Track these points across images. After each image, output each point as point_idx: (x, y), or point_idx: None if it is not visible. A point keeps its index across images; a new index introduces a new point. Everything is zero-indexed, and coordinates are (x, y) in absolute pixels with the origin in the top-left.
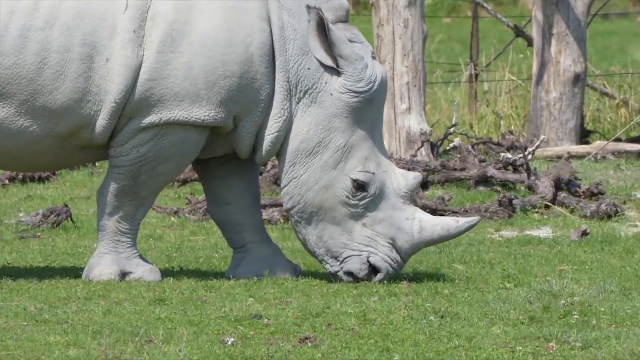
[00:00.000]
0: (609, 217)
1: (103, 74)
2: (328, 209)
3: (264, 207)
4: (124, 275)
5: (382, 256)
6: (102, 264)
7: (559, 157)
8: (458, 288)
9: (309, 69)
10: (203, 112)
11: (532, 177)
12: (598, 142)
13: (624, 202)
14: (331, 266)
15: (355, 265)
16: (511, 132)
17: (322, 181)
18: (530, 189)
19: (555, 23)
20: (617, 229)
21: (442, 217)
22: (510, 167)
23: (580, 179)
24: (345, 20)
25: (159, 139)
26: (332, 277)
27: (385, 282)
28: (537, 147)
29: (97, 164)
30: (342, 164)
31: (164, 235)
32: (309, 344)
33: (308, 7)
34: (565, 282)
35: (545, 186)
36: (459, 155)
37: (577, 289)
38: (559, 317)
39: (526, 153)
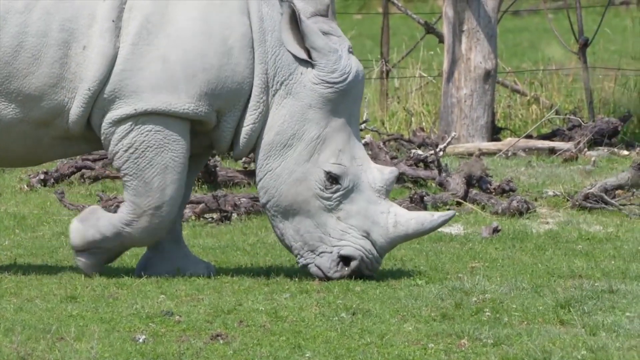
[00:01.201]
0: (520, 214)
1: (79, 61)
2: (302, 202)
3: None
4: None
5: (354, 245)
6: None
7: (470, 154)
8: (369, 285)
9: (285, 60)
10: (182, 105)
11: (444, 174)
12: (509, 139)
13: (535, 199)
14: (305, 259)
15: (326, 263)
16: (422, 129)
17: (295, 174)
18: (442, 185)
19: (465, 20)
20: (529, 226)
21: (418, 212)
22: (421, 164)
23: (491, 176)
24: (325, 14)
25: (139, 128)
26: (243, 274)
27: (297, 279)
28: (448, 144)
29: None
30: (316, 156)
31: None
32: (221, 341)
33: (280, 0)
34: (476, 279)
35: (456, 183)
36: (370, 152)
37: (488, 286)
38: (471, 314)
39: (437, 150)
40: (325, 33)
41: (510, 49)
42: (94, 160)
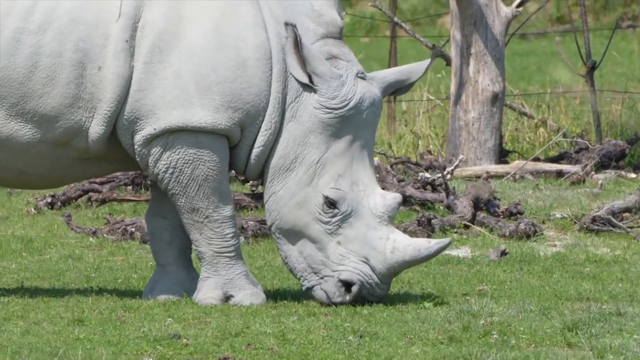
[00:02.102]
0: (528, 236)
1: (95, 81)
2: (303, 226)
3: None
4: (227, 298)
5: (353, 270)
6: (205, 288)
7: (478, 177)
8: (377, 308)
9: (294, 83)
10: (198, 119)
11: (451, 197)
12: (517, 161)
13: (543, 222)
14: (309, 282)
15: (331, 287)
16: (430, 152)
17: (296, 197)
18: (449, 208)
19: (473, 43)
20: (536, 248)
21: (416, 239)
22: (429, 187)
23: (499, 199)
24: (337, 36)
25: (171, 147)
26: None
27: (304, 302)
28: (456, 166)
29: None
30: (316, 180)
31: (83, 256)
32: None
33: (286, 23)
34: (484, 301)
35: (464, 206)
36: (377, 175)
37: (496, 308)
38: (479, 336)
39: (445, 173)
40: (333, 57)
41: (517, 72)
42: (101, 183)
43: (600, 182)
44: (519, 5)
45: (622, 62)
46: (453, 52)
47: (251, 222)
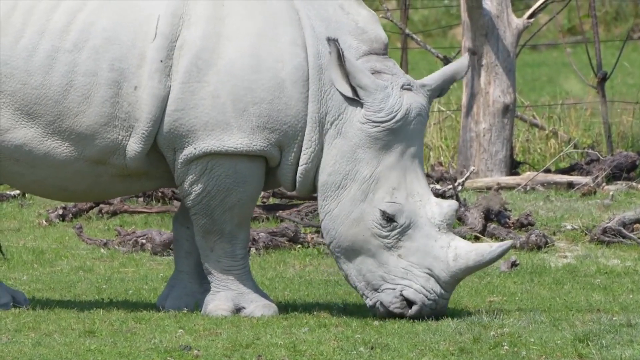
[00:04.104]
0: (539, 248)
1: (132, 101)
2: (362, 242)
3: None
4: (238, 310)
5: (417, 288)
6: (217, 300)
7: (489, 188)
8: (388, 319)
9: (336, 100)
10: (235, 141)
11: (462, 208)
12: (528, 173)
13: (554, 233)
14: (371, 299)
15: (388, 297)
16: (440, 164)
17: (352, 214)
18: (460, 220)
19: (484, 54)
20: (547, 260)
21: (478, 244)
22: (439, 198)
23: (510, 210)
24: (381, 52)
25: (210, 172)
26: None
27: (315, 313)
28: (467, 178)
29: (26, 195)
30: (371, 195)
31: (94, 267)
32: None
33: (328, 39)
34: (495, 313)
35: (474, 217)
36: None
37: (507, 319)
38: (489, 348)
39: (456, 184)
40: (377, 71)
41: (528, 83)
42: None
43: (611, 193)
44: (530, 17)
45: (633, 73)
46: None
47: (262, 234)
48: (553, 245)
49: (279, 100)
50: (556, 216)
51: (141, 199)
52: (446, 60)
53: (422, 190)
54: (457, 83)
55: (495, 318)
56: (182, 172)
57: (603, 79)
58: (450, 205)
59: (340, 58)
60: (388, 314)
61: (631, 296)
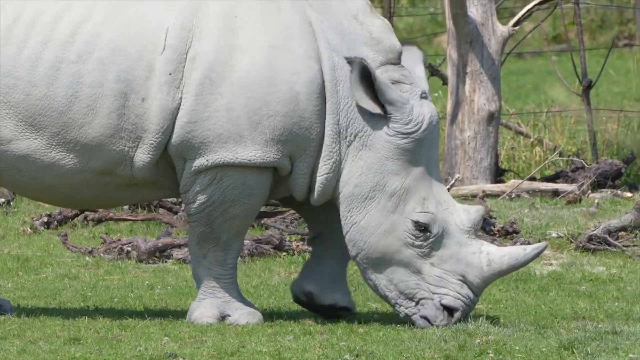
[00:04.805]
0: None
1: (139, 113)
2: (394, 252)
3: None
4: (223, 318)
5: (454, 294)
6: (202, 307)
7: (474, 196)
8: (373, 327)
9: (358, 112)
10: (249, 153)
11: None
12: (513, 180)
13: (539, 241)
14: (406, 308)
15: (431, 312)
16: None
17: (383, 226)
18: None
19: (469, 62)
20: (532, 267)
21: (509, 247)
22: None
23: (495, 218)
24: (396, 62)
25: (218, 182)
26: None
27: (300, 321)
28: (452, 185)
29: (11, 203)
30: (402, 206)
31: (79, 275)
32: None
33: (347, 58)
34: (480, 320)
35: None
36: None
37: (492, 327)
38: (474, 356)
39: None
40: (396, 82)
41: (513, 91)
42: None
43: (596, 201)
44: (515, 24)
45: (619, 81)
46: (449, 71)
47: (247, 242)
48: None
49: (293, 113)
50: (541, 224)
51: (127, 207)
52: (431, 68)
53: (447, 197)
54: (442, 91)
55: (480, 326)
56: (189, 181)
57: (588, 87)
58: (477, 210)
59: (364, 76)
60: (429, 326)
61: (616, 304)
